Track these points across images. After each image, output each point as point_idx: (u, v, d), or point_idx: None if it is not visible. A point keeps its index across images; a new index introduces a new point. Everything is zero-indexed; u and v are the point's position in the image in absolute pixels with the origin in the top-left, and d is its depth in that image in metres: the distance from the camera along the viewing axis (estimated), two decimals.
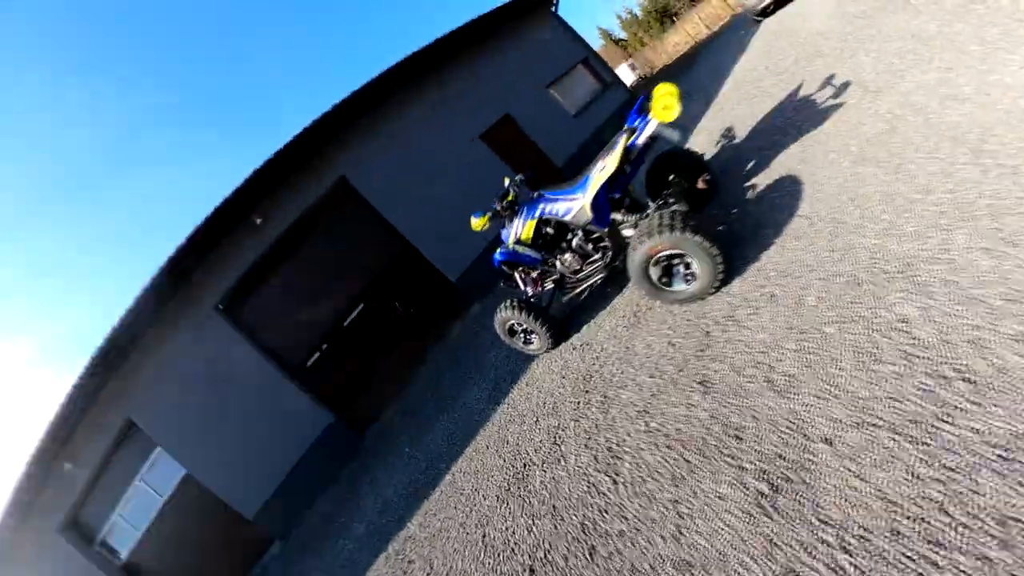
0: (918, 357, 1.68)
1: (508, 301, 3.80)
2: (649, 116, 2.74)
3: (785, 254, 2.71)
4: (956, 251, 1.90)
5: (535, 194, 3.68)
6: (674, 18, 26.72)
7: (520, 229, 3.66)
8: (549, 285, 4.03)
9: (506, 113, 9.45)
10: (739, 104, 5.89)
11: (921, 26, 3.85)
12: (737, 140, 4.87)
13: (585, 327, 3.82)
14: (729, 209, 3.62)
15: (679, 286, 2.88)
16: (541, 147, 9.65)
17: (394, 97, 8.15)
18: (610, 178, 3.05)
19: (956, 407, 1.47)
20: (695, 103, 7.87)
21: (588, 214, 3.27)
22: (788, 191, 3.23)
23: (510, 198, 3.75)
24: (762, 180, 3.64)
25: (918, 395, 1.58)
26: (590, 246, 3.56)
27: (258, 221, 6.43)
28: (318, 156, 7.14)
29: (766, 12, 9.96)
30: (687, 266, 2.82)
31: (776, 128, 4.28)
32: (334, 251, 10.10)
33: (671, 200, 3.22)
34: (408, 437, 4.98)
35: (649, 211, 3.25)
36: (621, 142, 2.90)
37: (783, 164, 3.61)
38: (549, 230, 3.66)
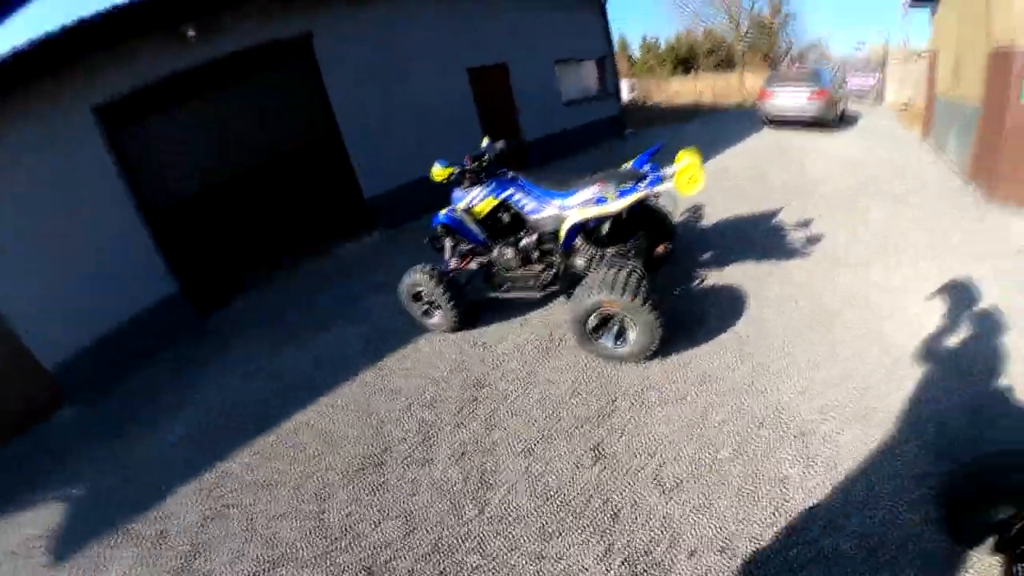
0: (784, 516, 1.87)
1: (426, 266, 3.46)
2: (670, 183, 2.62)
3: (710, 362, 2.87)
4: (843, 445, 2.15)
5: (510, 174, 3.43)
6: (691, 70, 27.66)
7: (477, 200, 3.38)
8: (473, 266, 3.81)
9: (504, 62, 8.82)
10: (716, 189, 6.18)
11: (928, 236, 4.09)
12: (702, 223, 5.12)
13: (494, 326, 3.68)
14: (674, 287, 3.76)
15: (607, 342, 2.91)
16: (519, 114, 9.22)
17: None
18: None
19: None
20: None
21: (554, 227, 3.14)
22: (734, 304, 3.44)
23: (482, 162, 3.42)
24: (713, 277, 3.85)
25: (774, 545, 1.77)
26: (537, 254, 3.42)
27: (190, 33, 5.01)
28: None
29: (775, 121, 10.74)
30: (623, 329, 2.85)
31: (744, 235, 4.57)
32: (257, 108, 8.59)
33: (631, 254, 3.19)
34: (259, 346, 4.35)
35: (607, 253, 3.17)
36: (639, 193, 2.74)
37: (739, 274, 3.84)
38: (506, 217, 3.44)
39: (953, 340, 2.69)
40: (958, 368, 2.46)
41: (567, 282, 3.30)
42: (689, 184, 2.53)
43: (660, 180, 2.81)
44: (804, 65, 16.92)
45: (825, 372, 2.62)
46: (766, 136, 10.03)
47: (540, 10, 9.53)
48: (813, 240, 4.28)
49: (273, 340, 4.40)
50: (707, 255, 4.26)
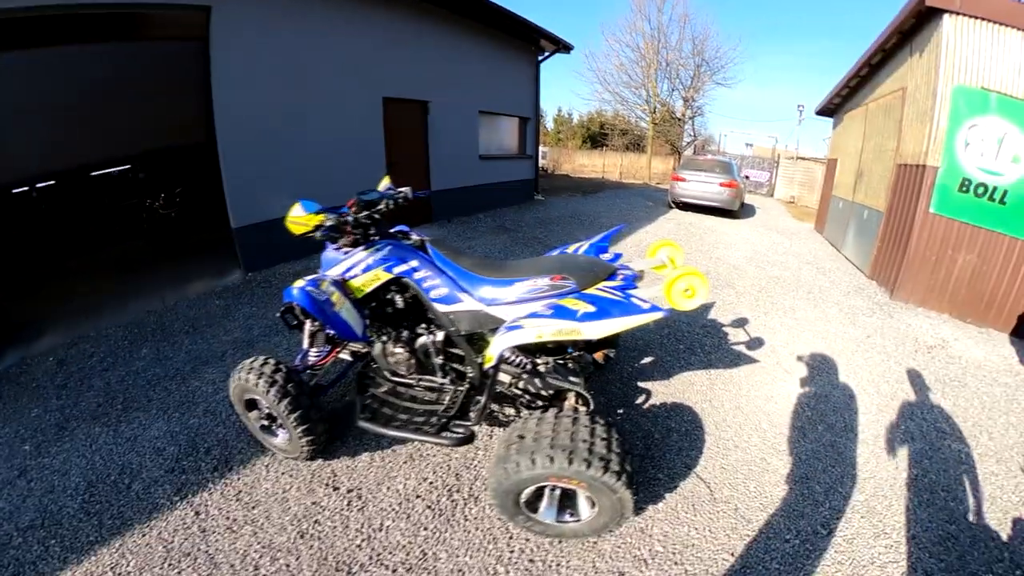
0: None
1: (264, 361, 2.21)
2: (658, 293, 1.84)
3: (676, 526, 2.04)
4: None
5: (414, 236, 2.38)
6: (599, 146, 29.86)
7: (360, 271, 2.20)
8: (345, 356, 2.64)
9: (426, 101, 8.08)
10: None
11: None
12: None
13: (366, 456, 2.47)
14: (615, 407, 2.95)
15: (547, 516, 1.91)
16: (429, 160, 8.41)
17: None
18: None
19: None
20: (588, 237, 7.91)
21: (471, 328, 2.14)
22: (687, 427, 2.76)
23: (374, 213, 2.29)
24: (659, 390, 3.15)
25: None
26: (440, 360, 2.31)
27: None
28: None
29: (682, 206, 11.33)
30: (570, 497, 1.91)
31: (680, 335, 4.03)
32: (128, 87, 6.54)
33: (571, 377, 2.21)
34: (27, 426, 2.70)
35: (539, 366, 2.19)
36: (631, 320, 1.73)
37: (684, 386, 3.22)
38: (400, 300, 2.29)
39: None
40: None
41: (476, 409, 2.17)
42: (684, 298, 1.81)
43: (635, 285, 2.04)
44: (713, 155, 19.02)
45: (807, 522, 2.07)
46: (676, 217, 10.48)
47: (472, 52, 9.05)
48: (753, 344, 3.96)
49: (54, 420, 2.82)
50: (645, 360, 3.58)
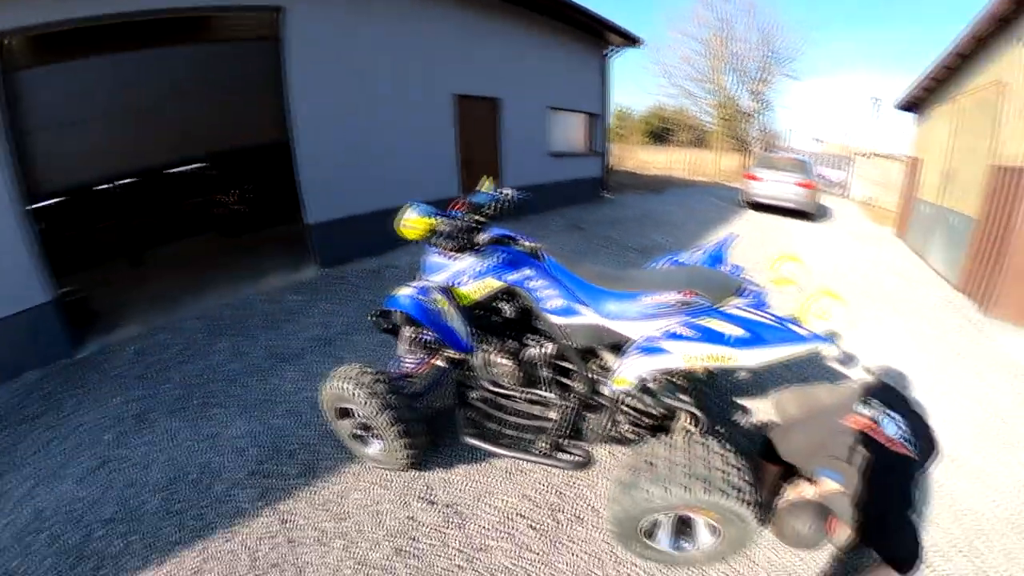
0: None
1: (362, 369, 2.11)
2: (802, 327, 1.59)
3: (781, 554, 1.79)
4: None
5: (527, 243, 2.19)
6: (663, 142, 28.91)
7: (468, 280, 2.06)
8: (439, 363, 2.55)
9: (496, 97, 8.03)
10: None
11: None
12: None
13: (462, 469, 2.30)
14: (716, 425, 2.72)
15: (663, 544, 1.78)
16: (501, 158, 8.35)
17: None
18: None
19: None
20: (664, 237, 7.55)
21: (587, 342, 1.96)
22: None
23: (484, 215, 2.10)
24: (757, 407, 2.83)
25: None
26: (548, 373, 2.14)
27: None
28: None
29: (756, 206, 10.70)
30: (688, 525, 1.75)
31: None
32: (197, 90, 6.95)
33: (680, 394, 2.02)
34: (110, 417, 2.79)
35: (655, 400, 1.98)
36: (790, 350, 1.55)
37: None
38: (508, 309, 2.15)
39: None
40: None
41: (592, 423, 2.06)
42: (819, 318, 1.71)
43: (766, 303, 1.84)
44: (783, 152, 17.89)
45: None
46: (751, 218, 9.85)
47: (541, 48, 8.89)
48: (845, 360, 3.58)
49: (133, 411, 2.87)
50: (740, 375, 3.29)
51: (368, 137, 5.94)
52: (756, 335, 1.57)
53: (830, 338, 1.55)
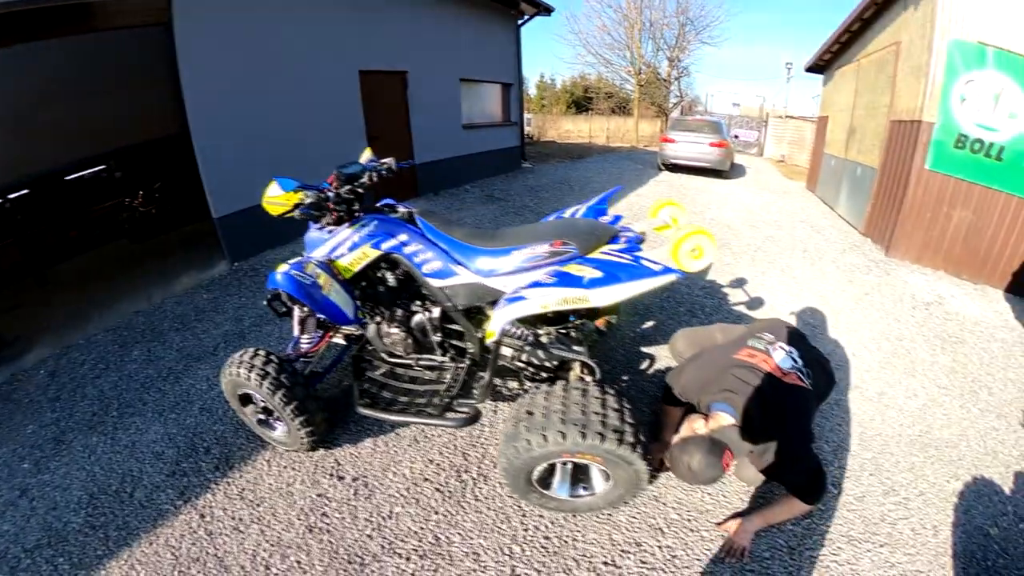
0: None
1: (249, 354, 2.11)
2: (665, 255, 1.72)
3: (689, 492, 2.07)
4: None
5: (401, 209, 2.25)
6: (584, 111, 29.32)
7: (346, 252, 2.09)
8: (339, 340, 2.57)
9: (404, 70, 7.77)
10: None
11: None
12: None
13: (369, 442, 2.45)
14: (620, 374, 2.96)
15: (560, 491, 1.92)
16: (411, 132, 8.17)
17: None
18: None
19: None
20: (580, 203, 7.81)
21: (469, 301, 2.07)
22: None
23: (357, 187, 2.14)
24: (663, 355, 3.15)
25: None
26: (438, 337, 2.25)
27: None
28: None
29: (672, 168, 11.26)
30: (583, 471, 1.91)
31: (681, 297, 4.03)
32: (87, 79, 6.01)
33: (575, 346, 2.15)
34: (26, 444, 2.61)
35: (542, 337, 2.10)
36: (644, 283, 1.67)
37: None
38: (391, 277, 2.20)
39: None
40: None
41: (480, 381, 2.20)
42: (692, 259, 1.70)
43: (639, 247, 1.97)
44: (701, 115, 18.85)
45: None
46: (666, 179, 10.48)
47: (449, 18, 8.68)
48: (753, 304, 4.04)
49: (50, 435, 2.72)
50: (647, 324, 3.59)
51: (270, 121, 5.60)
52: (611, 275, 1.69)
53: (681, 271, 1.64)
